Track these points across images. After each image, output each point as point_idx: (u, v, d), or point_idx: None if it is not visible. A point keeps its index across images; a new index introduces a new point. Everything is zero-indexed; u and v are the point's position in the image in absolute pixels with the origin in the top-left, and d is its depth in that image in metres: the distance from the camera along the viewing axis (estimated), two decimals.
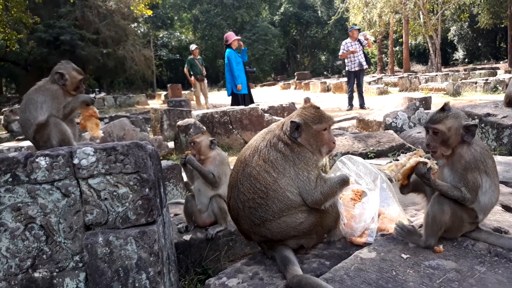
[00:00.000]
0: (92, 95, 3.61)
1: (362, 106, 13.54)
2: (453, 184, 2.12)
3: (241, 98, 11.10)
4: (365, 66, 13.48)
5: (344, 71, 19.26)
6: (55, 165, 2.15)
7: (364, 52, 13.48)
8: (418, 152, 2.24)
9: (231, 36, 11.10)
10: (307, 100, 12.82)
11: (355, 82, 13.64)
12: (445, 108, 2.15)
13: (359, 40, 13.46)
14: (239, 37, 11.63)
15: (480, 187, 2.14)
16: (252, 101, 11.46)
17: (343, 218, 2.56)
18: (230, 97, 11.35)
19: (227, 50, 10.93)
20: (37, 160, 2.14)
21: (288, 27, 58.95)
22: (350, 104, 13.87)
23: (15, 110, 13.91)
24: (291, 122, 2.41)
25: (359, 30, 14.10)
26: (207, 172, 3.13)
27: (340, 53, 13.96)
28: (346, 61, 13.80)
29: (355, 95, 13.86)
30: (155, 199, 2.26)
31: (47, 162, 2.14)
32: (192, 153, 3.20)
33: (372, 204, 2.60)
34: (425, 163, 2.13)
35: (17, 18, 22.73)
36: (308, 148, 2.42)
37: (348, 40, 13.60)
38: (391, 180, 2.42)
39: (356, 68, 13.40)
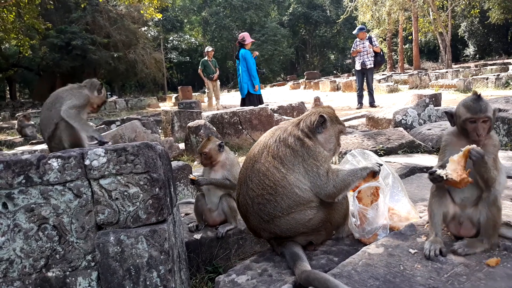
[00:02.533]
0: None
1: (372, 104, 13.48)
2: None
3: (257, 98, 11.07)
4: (369, 66, 13.24)
5: (353, 70, 19.22)
6: (67, 167, 2.20)
7: (375, 52, 13.25)
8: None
9: (248, 36, 11.05)
10: (317, 99, 12.78)
11: (364, 80, 13.56)
12: (481, 96, 2.15)
13: (370, 38, 13.34)
14: (253, 40, 11.61)
15: (500, 169, 2.19)
16: (261, 102, 11.46)
17: (357, 219, 2.55)
18: (242, 98, 11.31)
19: (243, 50, 10.86)
20: (49, 162, 2.18)
21: (297, 27, 58.96)
22: (360, 103, 13.81)
23: (29, 115, 14.15)
24: (321, 116, 2.46)
25: (367, 31, 13.99)
26: (222, 181, 3.16)
27: (351, 51, 13.97)
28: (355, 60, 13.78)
29: (365, 93, 13.79)
30: (165, 198, 2.30)
31: (59, 164, 2.19)
32: (204, 163, 3.22)
33: (385, 205, 2.58)
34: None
35: (30, 24, 23.02)
36: (323, 146, 2.46)
37: (358, 39, 13.49)
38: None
39: (359, 68, 13.34)
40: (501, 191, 2.19)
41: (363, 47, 13.17)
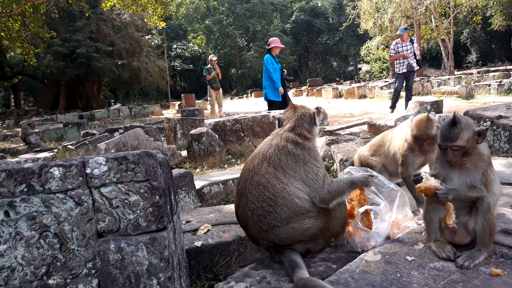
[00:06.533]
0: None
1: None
2: (473, 184, 2.14)
3: (278, 104, 11.08)
4: (416, 68, 12.45)
5: (356, 76, 18.95)
6: (69, 175, 2.23)
7: (415, 53, 12.39)
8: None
9: (274, 41, 11.06)
10: (318, 109, 12.69)
11: (405, 84, 12.66)
12: (456, 121, 2.10)
13: (411, 40, 12.49)
14: (283, 46, 11.49)
15: (492, 179, 2.19)
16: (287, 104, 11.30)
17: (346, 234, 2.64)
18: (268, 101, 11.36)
19: (266, 55, 11.00)
20: (51, 170, 2.22)
21: (299, 34, 59.13)
22: (394, 107, 12.84)
23: (33, 123, 14.24)
24: (316, 108, 2.73)
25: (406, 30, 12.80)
26: None
27: (390, 54, 12.91)
28: (395, 62, 12.77)
29: (400, 98, 13.03)
30: (165, 206, 2.32)
31: (61, 172, 2.22)
32: None
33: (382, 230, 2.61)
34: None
35: (35, 33, 23.24)
36: (315, 138, 2.62)
37: (399, 40, 12.50)
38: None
39: (405, 70, 12.36)
40: (496, 200, 2.21)
41: (407, 50, 12.23)
